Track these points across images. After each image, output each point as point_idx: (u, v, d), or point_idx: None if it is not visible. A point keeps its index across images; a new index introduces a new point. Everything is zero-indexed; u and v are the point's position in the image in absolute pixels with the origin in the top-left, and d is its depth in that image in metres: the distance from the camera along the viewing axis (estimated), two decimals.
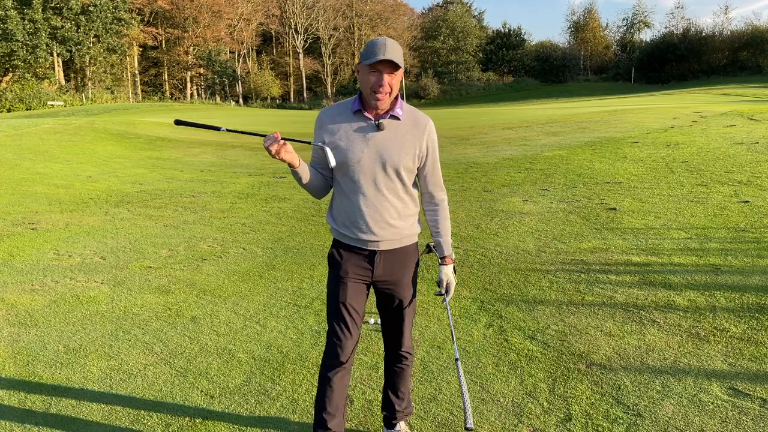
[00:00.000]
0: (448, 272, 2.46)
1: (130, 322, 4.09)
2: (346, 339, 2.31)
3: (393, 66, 2.17)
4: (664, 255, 5.19)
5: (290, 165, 2.24)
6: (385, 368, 2.61)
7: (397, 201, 2.32)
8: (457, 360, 2.30)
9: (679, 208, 6.83)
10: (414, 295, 2.45)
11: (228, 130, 2.33)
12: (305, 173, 2.30)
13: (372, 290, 2.44)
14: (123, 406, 2.99)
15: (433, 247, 2.51)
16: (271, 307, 4.33)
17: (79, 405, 3.00)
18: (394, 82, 2.21)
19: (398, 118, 2.28)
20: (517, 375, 3.21)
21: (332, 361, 2.33)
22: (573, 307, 4.13)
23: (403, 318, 2.44)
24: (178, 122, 2.34)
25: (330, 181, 2.39)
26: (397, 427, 2.64)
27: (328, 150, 2.24)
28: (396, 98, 2.29)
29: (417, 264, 2.46)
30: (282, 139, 2.17)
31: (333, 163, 2.24)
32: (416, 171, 2.37)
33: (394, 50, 2.16)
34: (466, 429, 2.16)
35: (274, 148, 2.14)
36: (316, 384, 2.45)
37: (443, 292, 2.47)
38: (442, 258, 2.48)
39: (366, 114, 2.27)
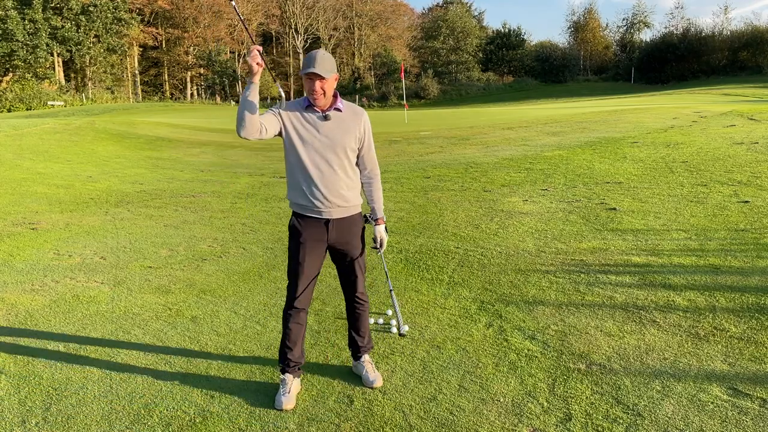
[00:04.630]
0: (381, 231, 3.15)
1: (130, 322, 4.09)
2: (302, 289, 2.95)
3: (320, 77, 2.75)
4: (664, 255, 5.19)
5: (253, 75, 2.68)
6: (348, 314, 3.21)
7: (344, 176, 2.90)
8: (391, 291, 3.43)
9: (679, 208, 6.83)
10: (362, 253, 3.08)
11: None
12: (256, 95, 2.71)
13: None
14: (123, 406, 2.99)
15: (369, 216, 3.16)
16: (271, 307, 4.33)
17: (79, 405, 3.00)
18: (326, 86, 2.78)
19: (340, 110, 2.89)
20: (517, 375, 3.21)
21: (291, 305, 2.99)
22: (573, 307, 4.13)
23: (355, 269, 3.06)
24: None
25: (261, 131, 2.77)
26: (363, 359, 3.22)
27: (283, 95, 2.97)
28: (335, 96, 2.89)
29: (363, 229, 3.08)
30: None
31: (284, 101, 2.88)
32: (357, 151, 2.96)
33: (323, 62, 2.74)
34: (401, 335, 3.43)
35: (259, 57, 2.66)
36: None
37: (378, 246, 3.16)
38: (376, 220, 3.14)
39: (315, 108, 2.85)
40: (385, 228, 3.17)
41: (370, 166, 3.05)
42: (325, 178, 2.83)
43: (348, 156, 2.89)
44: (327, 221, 2.90)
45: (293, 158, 2.86)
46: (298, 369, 3.10)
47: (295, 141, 2.82)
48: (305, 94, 2.86)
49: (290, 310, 3.00)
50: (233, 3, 3.00)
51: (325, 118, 2.83)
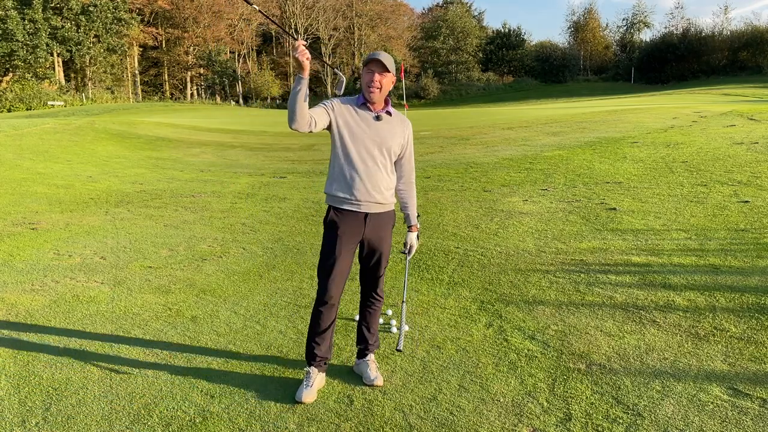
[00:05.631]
0: (412, 237, 3.26)
1: (130, 322, 4.09)
2: (335, 284, 2.99)
3: (382, 66, 2.89)
4: (664, 255, 5.19)
5: (303, 69, 2.70)
6: (361, 310, 3.28)
7: (386, 175, 3.03)
8: (404, 302, 3.26)
9: (679, 208, 6.83)
10: (389, 250, 3.16)
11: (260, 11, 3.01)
12: (306, 89, 2.73)
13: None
14: (123, 406, 2.99)
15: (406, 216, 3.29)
16: (271, 307, 4.33)
17: (79, 405, 3.00)
18: (384, 81, 2.92)
19: (390, 114, 3.05)
20: (517, 375, 3.21)
21: (322, 299, 3.01)
22: (573, 307, 4.13)
23: (381, 265, 3.14)
24: None
25: (311, 123, 2.82)
26: (367, 357, 3.25)
27: (343, 77, 3.11)
28: (387, 101, 3.04)
29: (392, 226, 3.16)
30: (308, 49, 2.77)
31: (342, 90, 3.04)
32: (397, 156, 3.09)
33: (387, 58, 2.91)
34: (397, 350, 3.25)
35: (307, 52, 2.68)
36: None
37: (406, 251, 3.25)
38: (409, 226, 3.26)
39: (369, 107, 2.99)
40: (417, 235, 3.26)
41: (408, 173, 3.18)
42: (369, 173, 2.95)
43: (390, 157, 3.02)
44: (365, 215, 2.99)
45: (341, 151, 2.96)
46: (324, 364, 3.14)
47: (345, 134, 2.94)
48: (362, 89, 2.97)
49: (321, 306, 3.03)
50: (254, 5, 3.02)
51: (377, 118, 2.99)
